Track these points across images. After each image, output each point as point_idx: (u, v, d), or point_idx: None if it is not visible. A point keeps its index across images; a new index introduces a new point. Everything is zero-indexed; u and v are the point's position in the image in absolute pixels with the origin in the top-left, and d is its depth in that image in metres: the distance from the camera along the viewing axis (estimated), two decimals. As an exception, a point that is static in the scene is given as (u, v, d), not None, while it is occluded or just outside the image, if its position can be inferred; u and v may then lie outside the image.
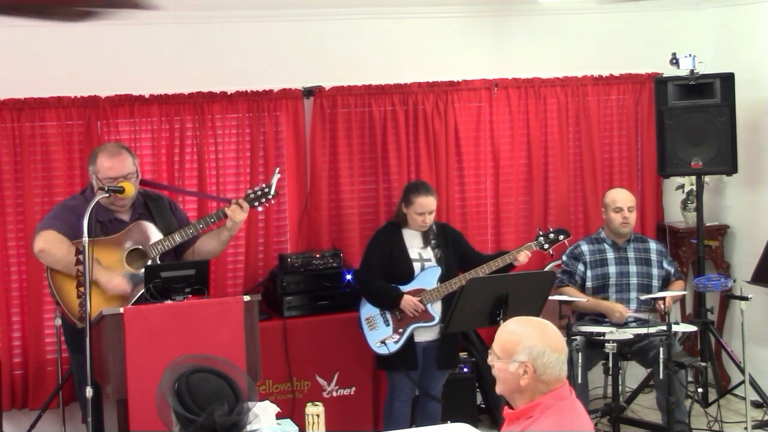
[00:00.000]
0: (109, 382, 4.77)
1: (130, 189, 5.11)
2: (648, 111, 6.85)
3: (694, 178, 6.63)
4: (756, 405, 6.39)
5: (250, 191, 5.44)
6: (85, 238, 4.67)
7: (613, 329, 5.87)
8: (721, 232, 6.99)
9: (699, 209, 6.56)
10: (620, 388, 6.01)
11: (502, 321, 4.98)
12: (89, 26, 5.74)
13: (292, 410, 5.66)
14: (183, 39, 6.12)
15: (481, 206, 6.75)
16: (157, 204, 5.37)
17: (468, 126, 6.62)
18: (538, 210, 6.75)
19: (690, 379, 6.41)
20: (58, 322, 5.69)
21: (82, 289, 4.71)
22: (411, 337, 5.70)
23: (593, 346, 5.82)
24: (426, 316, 5.69)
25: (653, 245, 6.30)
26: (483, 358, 5.69)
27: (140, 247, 5.21)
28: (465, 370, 6.25)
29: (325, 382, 6.06)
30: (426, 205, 5.70)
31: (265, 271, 6.33)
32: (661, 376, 5.58)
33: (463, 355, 6.20)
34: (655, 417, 6.22)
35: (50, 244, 5.07)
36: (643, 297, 5.97)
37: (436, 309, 5.71)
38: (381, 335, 5.70)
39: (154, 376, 3.45)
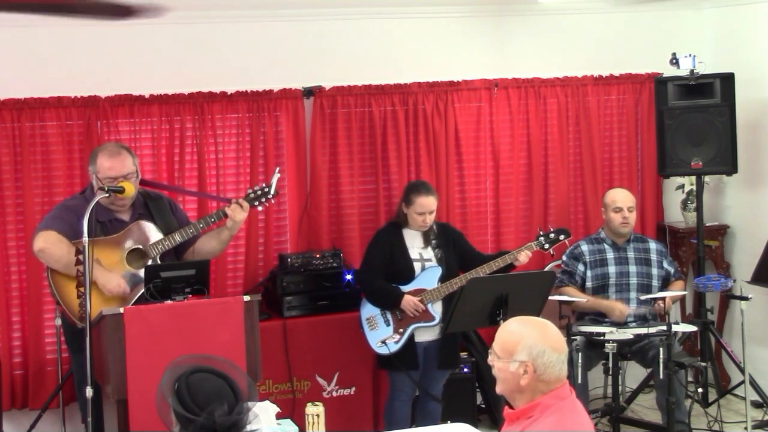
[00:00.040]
0: (109, 382, 4.77)
1: (130, 189, 5.11)
2: (648, 111, 6.85)
3: (694, 178, 6.63)
4: (756, 405, 6.39)
5: (250, 191, 5.45)
6: (85, 238, 4.67)
7: (613, 329, 5.86)
8: (721, 232, 6.98)
9: (699, 209, 6.56)
10: (620, 388, 6.01)
11: (502, 321, 4.97)
12: (89, 26, 5.73)
13: (292, 410, 5.66)
14: (183, 39, 6.12)
15: (481, 206, 6.75)
16: (157, 204, 5.37)
17: (468, 126, 6.62)
18: (538, 210, 6.75)
19: (690, 379, 6.41)
20: (58, 322, 5.69)
21: (82, 289, 4.71)
22: (411, 337, 5.70)
23: (593, 346, 5.82)
24: (426, 316, 5.69)
25: (653, 245, 6.30)
26: (483, 358, 5.69)
27: (140, 246, 5.21)
28: (465, 370, 6.25)
29: (325, 382, 6.06)
30: (426, 205, 5.70)
31: (265, 271, 6.33)
32: (661, 376, 5.58)
33: (463, 355, 6.20)
34: (655, 417, 6.22)
35: (50, 244, 5.07)
36: (643, 297, 5.97)
37: (436, 309, 5.70)
38: (382, 335, 5.70)
39: (154, 376, 3.45)
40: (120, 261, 5.16)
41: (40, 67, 5.90)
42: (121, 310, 4.77)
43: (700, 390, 6.19)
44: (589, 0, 6.70)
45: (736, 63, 6.58)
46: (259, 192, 5.42)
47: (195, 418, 3.20)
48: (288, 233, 6.39)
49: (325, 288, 6.13)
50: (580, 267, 6.18)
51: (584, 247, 6.23)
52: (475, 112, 6.63)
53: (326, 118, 6.36)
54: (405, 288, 5.70)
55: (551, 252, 5.93)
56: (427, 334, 5.73)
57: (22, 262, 5.94)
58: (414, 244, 5.78)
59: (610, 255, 6.19)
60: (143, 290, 4.97)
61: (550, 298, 5.62)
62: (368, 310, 5.76)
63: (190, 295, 4.94)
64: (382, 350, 5.69)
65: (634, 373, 6.65)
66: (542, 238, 5.79)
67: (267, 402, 4.51)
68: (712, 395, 6.49)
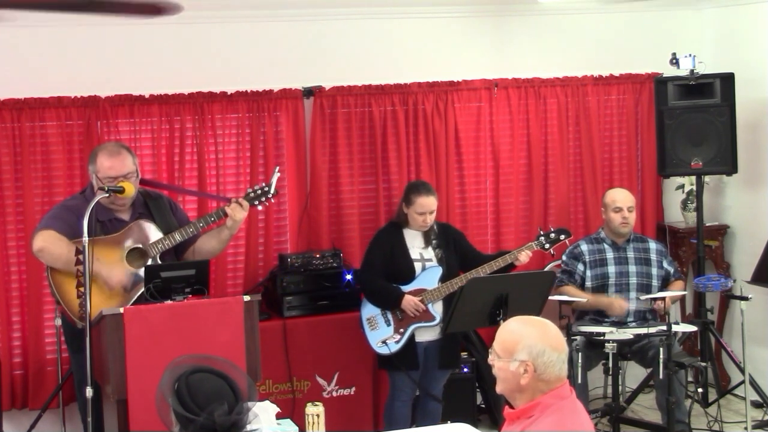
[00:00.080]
0: (109, 382, 4.77)
1: (130, 188, 5.11)
2: (648, 111, 6.84)
3: (694, 178, 6.63)
4: (756, 405, 6.39)
5: (250, 190, 5.45)
6: (85, 238, 4.67)
7: (613, 329, 5.86)
8: (721, 232, 6.98)
9: (699, 209, 6.56)
10: (620, 388, 6.01)
11: (502, 321, 4.97)
12: (89, 26, 5.73)
13: (292, 410, 5.66)
14: (183, 39, 6.12)
15: (481, 206, 6.75)
16: (157, 203, 5.37)
17: (468, 126, 6.62)
18: (538, 210, 6.75)
19: (690, 379, 6.41)
20: (58, 322, 5.69)
21: (82, 288, 4.71)
22: (412, 337, 5.70)
23: (593, 346, 5.82)
24: (427, 316, 5.68)
25: (653, 245, 6.30)
26: (483, 358, 5.69)
27: (140, 246, 5.21)
28: (465, 370, 6.24)
29: (325, 382, 6.06)
30: (427, 205, 5.70)
31: (265, 271, 6.33)
32: (660, 376, 5.58)
33: (463, 355, 6.20)
34: (655, 417, 6.22)
35: (49, 243, 5.06)
36: (643, 297, 5.97)
37: (437, 309, 5.70)
38: (382, 335, 5.70)
39: (154, 376, 3.45)
40: (120, 260, 5.16)
41: (40, 67, 5.90)
42: (121, 310, 4.77)
43: (700, 390, 6.19)
44: (589, 0, 6.70)
45: (736, 63, 6.58)
46: (259, 191, 5.42)
47: (195, 418, 3.20)
48: (288, 233, 6.39)
49: (325, 288, 6.13)
50: (580, 267, 6.18)
51: (584, 247, 6.23)
52: (475, 112, 6.63)
53: (326, 118, 6.36)
54: (405, 288, 5.69)
55: (552, 252, 5.93)
56: (427, 334, 5.73)
57: (22, 262, 5.93)
58: (414, 244, 5.78)
59: (609, 255, 6.19)
60: (143, 290, 4.97)
61: (550, 297, 5.62)
62: (369, 310, 5.76)
63: (190, 295, 4.94)
64: (383, 350, 5.69)
65: (634, 373, 6.65)
66: (543, 238, 5.79)
67: (267, 402, 4.51)
68: (712, 395, 6.49)
